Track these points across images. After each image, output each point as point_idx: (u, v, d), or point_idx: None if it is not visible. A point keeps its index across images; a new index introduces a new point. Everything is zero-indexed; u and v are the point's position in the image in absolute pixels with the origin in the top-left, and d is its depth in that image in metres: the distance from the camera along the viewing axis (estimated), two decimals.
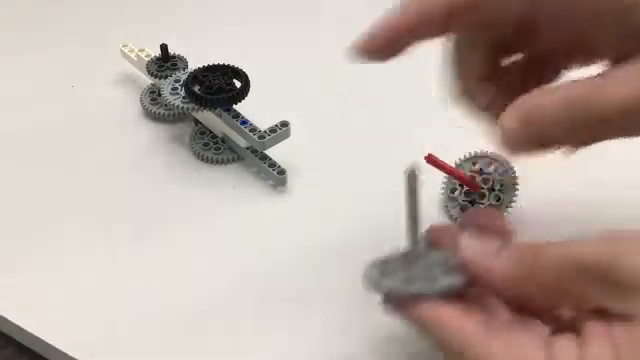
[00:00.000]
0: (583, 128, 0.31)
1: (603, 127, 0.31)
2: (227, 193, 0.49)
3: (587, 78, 0.31)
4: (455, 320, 0.31)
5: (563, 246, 0.31)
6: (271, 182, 0.49)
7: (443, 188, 0.47)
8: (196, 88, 0.48)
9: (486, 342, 0.30)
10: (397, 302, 0.33)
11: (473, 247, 0.33)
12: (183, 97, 0.49)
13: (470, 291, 0.33)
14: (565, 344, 0.30)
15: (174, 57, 0.54)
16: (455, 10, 0.34)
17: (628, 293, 0.29)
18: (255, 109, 0.49)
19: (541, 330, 0.32)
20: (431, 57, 0.60)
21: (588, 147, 0.34)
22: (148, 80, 0.55)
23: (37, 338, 0.41)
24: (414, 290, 0.33)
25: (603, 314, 0.30)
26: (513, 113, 0.32)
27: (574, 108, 0.31)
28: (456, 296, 0.33)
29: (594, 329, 0.30)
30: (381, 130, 0.52)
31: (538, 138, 0.32)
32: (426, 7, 0.34)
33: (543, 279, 0.31)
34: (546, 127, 0.31)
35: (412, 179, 0.34)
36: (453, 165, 0.45)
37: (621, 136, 0.32)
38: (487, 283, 0.32)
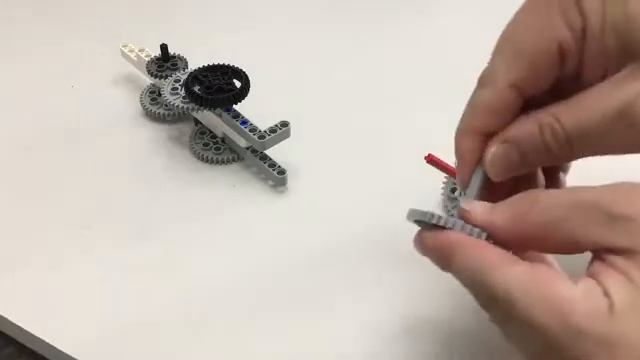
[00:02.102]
0: (554, 149, 0.34)
1: (571, 149, 0.34)
2: (227, 193, 0.49)
3: (555, 105, 0.34)
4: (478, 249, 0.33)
5: (563, 190, 0.34)
6: (271, 182, 0.49)
7: (443, 188, 0.47)
8: (196, 88, 0.48)
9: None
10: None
11: (472, 206, 0.35)
12: (183, 97, 0.49)
13: None
14: (584, 280, 0.31)
15: (174, 57, 0.54)
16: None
17: (629, 224, 0.30)
18: (255, 109, 0.49)
19: None
20: (431, 57, 0.60)
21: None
22: (148, 80, 0.55)
23: (37, 338, 0.41)
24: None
25: (603, 259, 0.31)
26: (495, 141, 0.36)
27: (543, 135, 0.34)
28: None
29: (601, 268, 0.30)
30: (381, 130, 0.52)
31: (520, 163, 0.35)
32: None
33: (544, 218, 0.32)
34: (524, 150, 0.35)
35: None
36: (453, 165, 0.45)
37: (597, 154, 0.35)
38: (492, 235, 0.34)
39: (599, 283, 0.30)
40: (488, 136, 0.36)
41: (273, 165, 0.48)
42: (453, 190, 0.46)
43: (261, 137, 0.48)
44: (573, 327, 0.29)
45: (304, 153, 0.50)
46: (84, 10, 0.63)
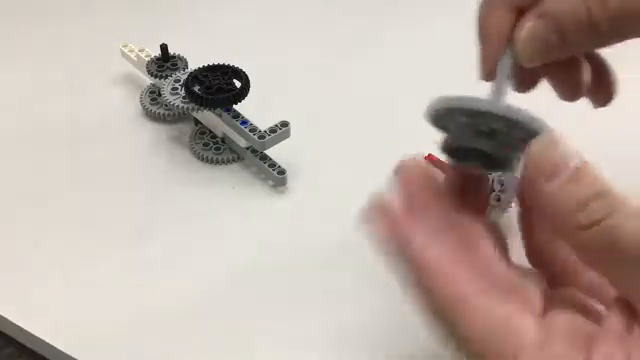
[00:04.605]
0: (603, 25, 0.29)
1: (629, 25, 0.29)
2: (227, 193, 0.49)
3: None
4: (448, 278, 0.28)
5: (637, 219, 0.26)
6: (271, 182, 0.49)
7: None
8: (196, 88, 0.48)
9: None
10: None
11: (545, 155, 0.27)
12: (183, 97, 0.49)
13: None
14: (565, 315, 0.28)
15: (174, 57, 0.54)
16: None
17: None
18: (255, 109, 0.49)
19: (538, 286, 0.29)
20: (431, 57, 0.60)
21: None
22: (148, 80, 0.55)
23: (37, 338, 0.41)
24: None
25: (632, 311, 0.27)
26: (529, 17, 0.30)
27: (590, 7, 0.29)
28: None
29: (613, 324, 0.27)
30: (381, 130, 0.52)
31: (559, 44, 0.30)
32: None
33: (596, 245, 0.26)
34: (564, 27, 0.30)
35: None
36: None
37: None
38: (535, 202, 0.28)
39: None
40: (520, 12, 0.31)
41: (273, 165, 0.48)
42: None
43: (261, 137, 0.48)
44: None
45: (304, 153, 0.50)
46: (84, 10, 0.63)
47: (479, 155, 0.29)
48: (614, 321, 0.27)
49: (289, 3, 0.64)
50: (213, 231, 0.46)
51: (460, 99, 0.28)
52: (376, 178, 0.49)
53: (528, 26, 0.30)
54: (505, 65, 0.31)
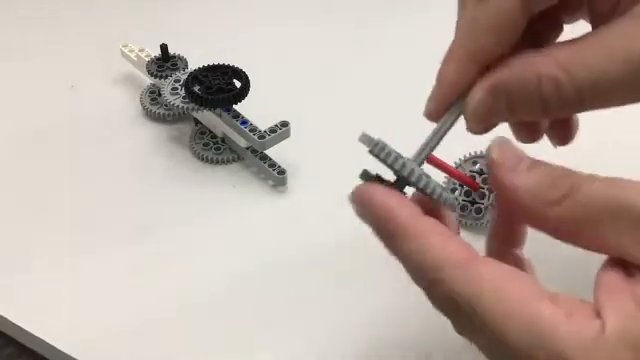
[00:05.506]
0: (553, 104, 0.29)
1: (581, 104, 0.29)
2: (227, 193, 0.49)
3: (557, 49, 0.29)
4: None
5: (606, 184, 0.27)
6: (271, 182, 0.49)
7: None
8: (196, 88, 0.48)
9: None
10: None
11: (505, 156, 0.29)
12: (183, 97, 0.49)
13: None
14: (568, 296, 0.27)
15: (174, 57, 0.54)
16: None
17: None
18: (255, 109, 0.49)
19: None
20: (431, 57, 0.59)
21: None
22: (148, 80, 0.55)
23: (37, 338, 0.41)
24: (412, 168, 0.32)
25: (624, 266, 0.27)
26: (481, 86, 0.30)
27: (542, 86, 0.28)
28: None
29: (611, 282, 0.27)
30: (381, 130, 0.52)
31: (508, 116, 0.30)
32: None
33: (576, 215, 0.27)
34: (514, 102, 0.29)
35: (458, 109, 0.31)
36: (453, 165, 0.45)
37: (607, 107, 0.29)
38: (507, 198, 0.29)
39: (597, 301, 0.26)
40: (479, 64, 0.30)
41: (273, 165, 0.48)
42: (453, 190, 0.46)
43: (261, 137, 0.48)
44: (556, 354, 0.25)
45: (304, 153, 0.50)
46: (84, 10, 0.63)
47: None
48: (611, 273, 0.27)
49: (289, 3, 0.64)
50: (213, 231, 0.46)
51: (382, 149, 0.33)
52: None
53: (478, 98, 0.30)
54: (451, 117, 0.32)
